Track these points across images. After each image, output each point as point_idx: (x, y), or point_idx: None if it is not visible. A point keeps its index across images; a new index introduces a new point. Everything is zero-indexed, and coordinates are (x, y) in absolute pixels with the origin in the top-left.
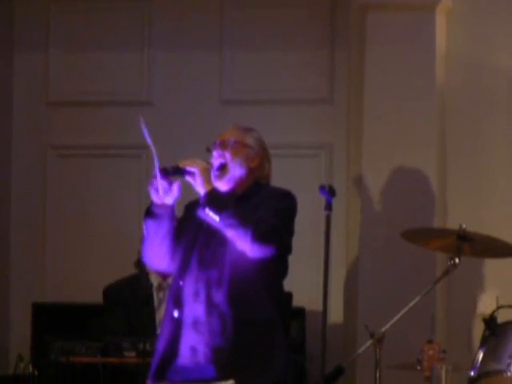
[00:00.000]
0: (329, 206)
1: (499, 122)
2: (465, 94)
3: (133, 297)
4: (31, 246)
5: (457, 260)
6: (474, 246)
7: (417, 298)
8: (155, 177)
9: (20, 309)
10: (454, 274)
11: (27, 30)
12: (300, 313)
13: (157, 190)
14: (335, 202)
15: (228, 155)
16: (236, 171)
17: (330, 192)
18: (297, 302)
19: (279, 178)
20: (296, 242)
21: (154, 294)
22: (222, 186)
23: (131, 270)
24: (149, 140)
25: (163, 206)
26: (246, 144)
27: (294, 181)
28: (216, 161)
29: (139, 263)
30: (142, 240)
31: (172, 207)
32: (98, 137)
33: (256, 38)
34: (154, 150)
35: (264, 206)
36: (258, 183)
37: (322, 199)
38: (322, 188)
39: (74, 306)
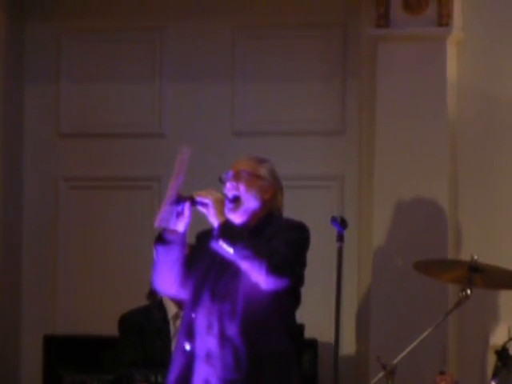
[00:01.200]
0: (341, 238)
1: (511, 152)
2: (476, 124)
3: (148, 326)
4: (42, 277)
5: (468, 291)
6: (486, 278)
7: (429, 330)
8: (170, 202)
9: (31, 341)
10: (465, 305)
11: (38, 61)
12: (312, 344)
13: (169, 215)
14: (347, 233)
15: (242, 187)
16: (250, 203)
17: (341, 224)
18: (309, 333)
19: (291, 210)
20: (308, 273)
21: (171, 322)
22: (236, 217)
23: (143, 302)
24: (178, 170)
25: (174, 232)
26: (259, 175)
27: (305, 212)
28: (230, 192)
29: (151, 295)
30: (153, 271)
31: (183, 234)
32: (109, 168)
33: (267, 69)
34: (179, 180)
35: (277, 237)
36: (270, 214)
37: (334, 231)
38: (333, 219)
39: (86, 338)
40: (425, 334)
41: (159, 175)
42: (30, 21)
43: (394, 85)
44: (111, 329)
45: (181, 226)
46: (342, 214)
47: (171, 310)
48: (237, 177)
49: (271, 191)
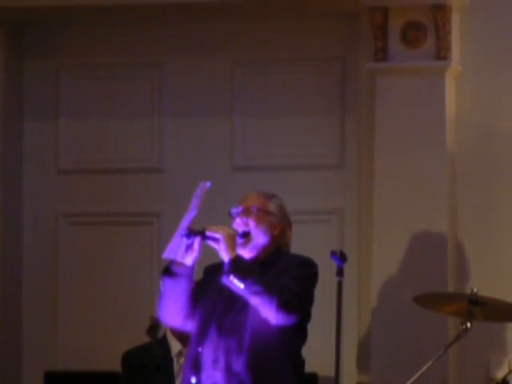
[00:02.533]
0: (340, 272)
1: (510, 185)
2: (475, 158)
3: (150, 363)
4: (43, 313)
5: (468, 324)
6: (486, 311)
7: (429, 363)
8: (180, 235)
9: (32, 377)
10: (466, 337)
11: (37, 98)
12: (313, 378)
13: (178, 248)
14: (347, 267)
15: (252, 223)
16: (260, 239)
17: (341, 258)
18: (309, 367)
19: (291, 243)
20: None
21: (175, 360)
22: (246, 253)
23: (144, 337)
24: (193, 203)
25: (182, 265)
26: (269, 211)
27: (305, 246)
28: (239, 228)
29: (151, 330)
30: (159, 302)
31: (191, 268)
32: (108, 204)
33: (266, 104)
34: (192, 213)
35: (286, 273)
36: (279, 250)
37: (334, 265)
38: (333, 254)
39: (87, 373)
40: (425, 367)
41: (159, 211)
42: (29, 57)
43: (393, 118)
44: (112, 365)
45: (189, 259)
46: (341, 248)
47: (175, 347)
48: (246, 212)
49: (280, 227)
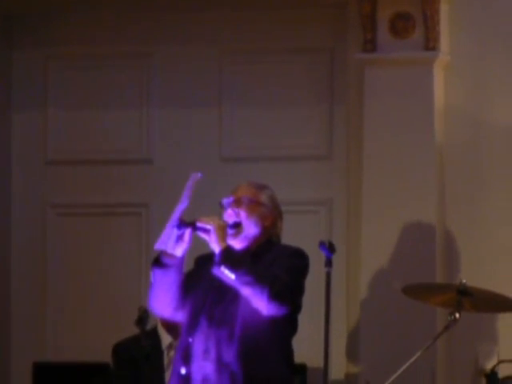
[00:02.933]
0: (329, 263)
1: (498, 176)
2: (464, 148)
3: (139, 355)
4: (32, 305)
5: (457, 315)
6: (475, 301)
7: (417, 354)
8: (171, 226)
9: (21, 368)
10: (454, 328)
11: (25, 88)
12: (301, 369)
13: (169, 238)
14: (335, 258)
15: (243, 213)
16: (251, 230)
17: (329, 248)
18: (298, 358)
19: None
20: None
21: (165, 353)
22: (237, 244)
23: (132, 328)
24: (185, 194)
25: (172, 256)
26: (260, 202)
27: (293, 237)
28: (230, 218)
29: (140, 321)
30: (149, 293)
31: (181, 259)
32: (97, 195)
33: (255, 95)
34: (183, 204)
35: (277, 263)
36: (270, 241)
37: (322, 255)
38: (321, 244)
39: (75, 365)
40: (414, 357)
41: (147, 201)
42: (17, 48)
43: (381, 109)
44: (101, 356)
45: (179, 250)
46: (330, 239)
47: (165, 340)
48: (238, 203)
49: (271, 218)
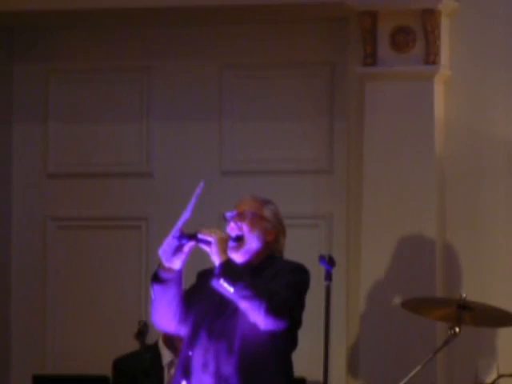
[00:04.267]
0: (329, 276)
1: (498, 190)
2: (464, 162)
3: (140, 370)
4: (32, 317)
5: (457, 329)
6: (475, 316)
7: (418, 368)
8: (173, 236)
9: (21, 381)
10: (454, 342)
11: (26, 101)
12: (301, 383)
13: (166, 250)
14: (335, 271)
15: (245, 227)
16: (252, 244)
17: (329, 262)
18: (298, 372)
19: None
20: None
21: (165, 370)
22: (238, 257)
23: (132, 341)
24: (189, 205)
25: (170, 270)
26: (263, 217)
27: (293, 251)
28: (233, 232)
29: (140, 335)
30: (151, 309)
31: (179, 272)
32: (97, 208)
33: (255, 108)
34: (186, 214)
35: (278, 278)
36: (272, 256)
37: (322, 269)
38: (321, 258)
39: (75, 377)
40: (414, 371)
41: (147, 215)
42: (18, 61)
43: (382, 123)
44: (100, 368)
45: (177, 263)
46: (330, 253)
47: (166, 356)
48: (241, 217)
49: (274, 233)
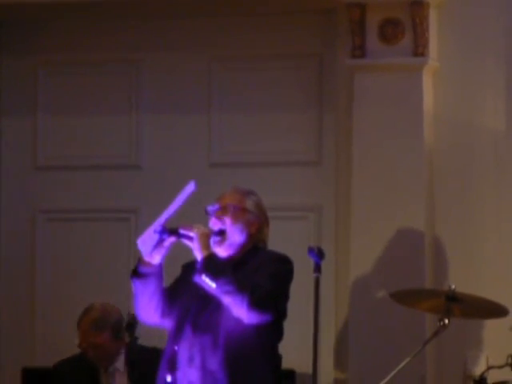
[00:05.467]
0: (318, 268)
1: (487, 181)
2: (453, 154)
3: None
4: (20, 310)
5: (446, 321)
6: (464, 307)
7: (406, 360)
8: (154, 230)
9: (10, 374)
10: (443, 334)
11: (14, 94)
12: (290, 375)
13: (146, 243)
14: (324, 263)
15: (228, 221)
16: (236, 237)
17: (318, 254)
18: (286, 364)
19: (268, 240)
20: None
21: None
22: (222, 251)
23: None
24: (175, 201)
25: (149, 264)
26: (246, 209)
27: (282, 243)
28: (215, 226)
29: (129, 327)
30: (132, 302)
31: (159, 266)
32: (86, 200)
33: (244, 100)
34: (171, 210)
35: (260, 270)
36: (255, 247)
37: (311, 261)
38: (310, 250)
39: None
40: (403, 363)
41: (136, 207)
42: (6, 54)
43: (371, 115)
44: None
45: (157, 257)
46: (319, 245)
47: None
48: (223, 210)
49: (257, 224)
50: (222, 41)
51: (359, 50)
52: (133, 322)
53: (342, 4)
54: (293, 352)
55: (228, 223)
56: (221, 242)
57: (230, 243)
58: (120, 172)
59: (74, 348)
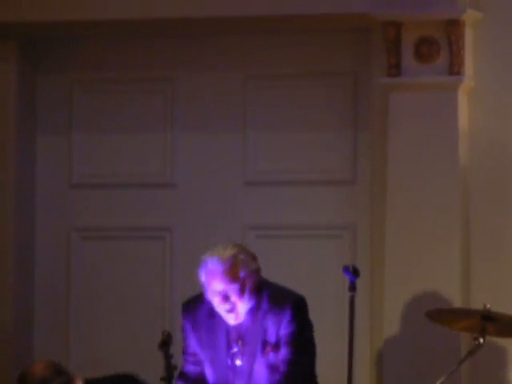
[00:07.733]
0: (353, 287)
1: None
2: (488, 173)
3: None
4: (55, 328)
5: (481, 340)
6: (499, 326)
7: (442, 379)
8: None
9: None
10: (478, 353)
11: (50, 112)
12: None
13: None
14: (359, 282)
15: (235, 300)
16: (247, 304)
17: (353, 272)
18: (322, 383)
19: (303, 259)
20: (320, 322)
21: None
22: (241, 318)
23: (156, 352)
24: None
25: None
26: (242, 279)
27: (317, 262)
28: (224, 307)
29: (163, 345)
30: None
31: None
32: (121, 219)
33: (279, 119)
34: None
35: (289, 347)
36: (259, 288)
37: (346, 280)
38: (345, 269)
39: None
40: (438, 382)
41: (171, 225)
42: (42, 72)
43: (405, 134)
44: None
45: None
46: (353, 263)
47: None
48: (225, 298)
49: (254, 277)
50: (257, 59)
51: (394, 69)
52: (167, 340)
53: (378, 22)
54: (328, 371)
55: (236, 302)
56: (236, 315)
57: (244, 311)
58: (155, 190)
59: (109, 366)
